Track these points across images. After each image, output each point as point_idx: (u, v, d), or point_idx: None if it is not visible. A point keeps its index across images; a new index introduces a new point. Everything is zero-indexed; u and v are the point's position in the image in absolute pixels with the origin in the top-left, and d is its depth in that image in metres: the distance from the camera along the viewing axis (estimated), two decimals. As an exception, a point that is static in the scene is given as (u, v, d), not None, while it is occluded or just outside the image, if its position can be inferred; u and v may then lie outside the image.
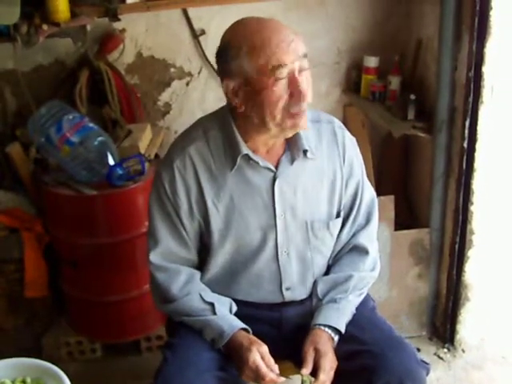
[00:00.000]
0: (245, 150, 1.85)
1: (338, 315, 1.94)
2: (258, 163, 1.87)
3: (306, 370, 1.83)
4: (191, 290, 1.94)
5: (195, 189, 1.89)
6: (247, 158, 1.86)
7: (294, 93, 1.73)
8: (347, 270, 2.02)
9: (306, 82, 1.75)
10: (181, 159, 1.88)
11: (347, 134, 2.02)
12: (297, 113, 1.76)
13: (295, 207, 1.93)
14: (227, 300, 1.97)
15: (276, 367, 1.81)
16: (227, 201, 1.90)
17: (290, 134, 1.84)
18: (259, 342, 1.84)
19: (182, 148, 1.90)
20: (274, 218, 1.92)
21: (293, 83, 1.73)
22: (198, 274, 2.00)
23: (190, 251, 1.98)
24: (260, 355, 1.79)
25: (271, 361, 1.81)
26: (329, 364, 1.84)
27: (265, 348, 1.82)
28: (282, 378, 1.79)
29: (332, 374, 1.85)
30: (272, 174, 1.89)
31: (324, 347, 1.86)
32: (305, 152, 1.89)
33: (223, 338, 1.85)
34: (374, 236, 2.10)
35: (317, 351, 1.85)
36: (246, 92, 1.77)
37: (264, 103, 1.75)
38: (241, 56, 1.73)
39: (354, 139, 2.04)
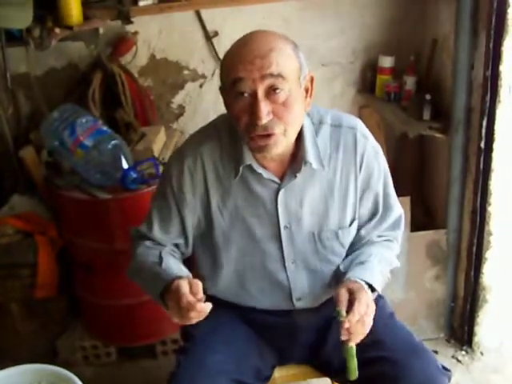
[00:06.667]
0: (248, 160, 1.81)
1: (367, 273, 1.83)
2: (261, 174, 1.83)
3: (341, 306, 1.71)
4: (157, 249, 1.91)
5: (202, 188, 1.88)
6: (251, 168, 1.83)
7: (251, 113, 1.68)
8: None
9: (274, 105, 1.68)
10: (192, 157, 1.87)
11: (370, 143, 1.91)
12: (253, 136, 1.71)
13: (301, 219, 1.88)
14: (185, 268, 1.88)
15: (202, 297, 1.63)
16: (232, 207, 1.88)
17: (264, 154, 1.76)
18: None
19: (195, 146, 1.89)
20: (278, 230, 1.89)
21: (251, 102, 1.68)
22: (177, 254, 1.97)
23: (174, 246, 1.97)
24: (189, 284, 1.65)
25: (200, 292, 1.64)
26: (364, 306, 1.70)
27: (197, 281, 1.67)
28: (203, 306, 1.61)
29: (368, 321, 1.72)
30: (276, 186, 1.85)
31: (359, 292, 1.73)
32: (307, 164, 1.82)
33: (161, 287, 1.76)
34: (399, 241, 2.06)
35: (351, 292, 1.73)
36: (225, 101, 1.79)
37: (232, 117, 1.74)
38: (222, 66, 1.76)
39: (378, 148, 1.94)
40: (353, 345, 1.71)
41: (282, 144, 1.74)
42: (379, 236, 1.99)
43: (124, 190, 2.73)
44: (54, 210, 2.99)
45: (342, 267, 1.94)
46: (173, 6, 2.99)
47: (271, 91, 1.67)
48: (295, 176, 1.83)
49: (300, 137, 1.82)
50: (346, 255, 1.98)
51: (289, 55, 1.70)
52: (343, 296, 1.73)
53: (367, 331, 1.73)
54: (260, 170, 1.82)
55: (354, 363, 1.73)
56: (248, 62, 1.65)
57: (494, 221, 2.77)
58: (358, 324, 1.69)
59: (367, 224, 1.97)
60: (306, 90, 1.78)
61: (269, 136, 1.70)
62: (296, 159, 1.84)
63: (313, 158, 1.82)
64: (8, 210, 2.99)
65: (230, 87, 1.70)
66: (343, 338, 1.69)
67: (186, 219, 1.92)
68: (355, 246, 1.98)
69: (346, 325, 1.66)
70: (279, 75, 1.66)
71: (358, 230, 1.98)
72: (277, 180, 1.85)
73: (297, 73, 1.71)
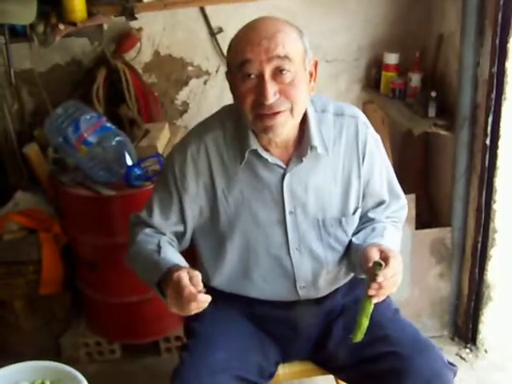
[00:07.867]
0: (254, 145, 1.83)
1: (387, 242, 1.85)
2: (267, 160, 1.85)
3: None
4: (156, 237, 1.93)
5: (206, 176, 1.89)
6: (257, 153, 1.84)
7: (258, 93, 1.72)
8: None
9: (281, 85, 1.72)
10: (196, 145, 1.89)
11: (371, 131, 1.95)
12: (261, 114, 1.74)
13: (306, 205, 1.90)
14: (182, 258, 1.89)
15: (202, 289, 1.65)
16: (237, 193, 1.89)
17: (269, 135, 1.78)
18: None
19: (199, 135, 1.91)
20: (283, 215, 1.90)
21: (258, 83, 1.71)
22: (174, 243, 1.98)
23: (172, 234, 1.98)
24: (189, 276, 1.66)
25: (200, 284, 1.66)
26: (398, 264, 1.73)
27: (197, 272, 1.68)
28: (204, 296, 1.64)
29: (398, 280, 1.75)
30: (282, 171, 1.87)
31: (392, 251, 1.75)
32: (313, 148, 1.85)
33: (158, 275, 1.77)
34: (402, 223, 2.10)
35: (381, 251, 1.76)
36: (230, 85, 1.82)
37: (237, 99, 1.78)
38: (229, 50, 1.80)
39: (378, 137, 1.98)
40: (373, 303, 1.73)
41: (288, 124, 1.77)
42: (387, 217, 2.02)
43: (128, 186, 2.73)
44: (58, 207, 2.98)
45: (354, 239, 1.95)
46: (177, 2, 2.98)
47: (278, 72, 1.71)
48: (301, 160, 1.85)
49: (304, 122, 1.86)
50: (357, 232, 1.99)
51: (294, 38, 1.74)
52: (375, 253, 1.75)
53: (394, 290, 1.75)
54: (265, 154, 1.84)
55: (366, 323, 1.75)
56: (255, 44, 1.69)
57: (498, 218, 2.77)
58: (390, 280, 1.71)
59: (375, 209, 2.01)
60: (310, 75, 1.82)
61: (275, 115, 1.73)
62: (301, 144, 1.87)
63: (318, 143, 1.85)
64: (12, 207, 2.99)
65: (237, 69, 1.73)
66: (371, 292, 1.70)
67: (186, 206, 1.93)
68: (365, 224, 2.00)
69: (381, 278, 1.68)
70: (285, 57, 1.70)
71: (366, 213, 2.00)
72: (282, 165, 1.87)
73: (302, 56, 1.76)
